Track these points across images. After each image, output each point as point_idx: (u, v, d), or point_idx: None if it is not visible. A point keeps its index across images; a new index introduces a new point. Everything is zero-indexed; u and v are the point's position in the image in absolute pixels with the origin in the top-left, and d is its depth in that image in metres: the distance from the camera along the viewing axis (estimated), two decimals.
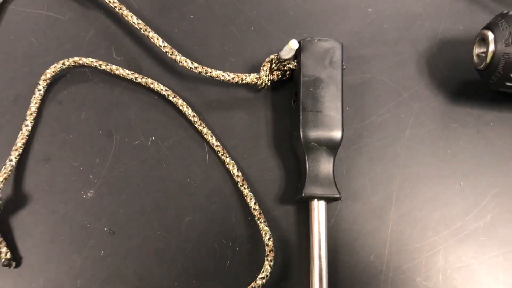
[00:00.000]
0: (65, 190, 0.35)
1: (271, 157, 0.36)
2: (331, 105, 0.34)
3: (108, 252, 0.34)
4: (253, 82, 0.36)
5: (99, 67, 0.36)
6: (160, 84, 0.36)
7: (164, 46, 0.35)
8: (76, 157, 0.36)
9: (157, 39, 0.35)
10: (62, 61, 0.36)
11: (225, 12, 0.39)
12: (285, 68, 0.36)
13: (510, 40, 0.33)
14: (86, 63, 0.36)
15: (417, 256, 0.35)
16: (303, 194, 0.33)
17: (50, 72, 0.36)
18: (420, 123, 0.37)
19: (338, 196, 0.33)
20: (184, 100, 0.37)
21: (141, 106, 0.37)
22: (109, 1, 0.36)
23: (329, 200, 0.34)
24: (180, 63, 0.35)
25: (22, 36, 0.38)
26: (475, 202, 0.36)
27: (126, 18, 0.36)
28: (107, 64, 0.36)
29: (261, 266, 0.33)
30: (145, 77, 0.36)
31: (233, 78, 0.35)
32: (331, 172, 0.34)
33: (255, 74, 0.36)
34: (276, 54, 0.35)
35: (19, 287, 0.34)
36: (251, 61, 0.38)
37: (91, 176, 0.36)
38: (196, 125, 0.36)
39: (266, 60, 0.36)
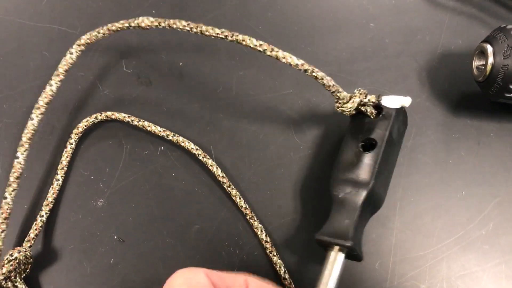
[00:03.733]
0: (75, 199, 0.36)
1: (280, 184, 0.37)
2: (390, 171, 0.34)
3: (118, 260, 0.35)
4: (343, 100, 0.33)
5: (131, 123, 0.37)
6: (191, 142, 0.36)
7: (260, 45, 0.31)
8: (86, 167, 0.37)
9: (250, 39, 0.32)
10: (94, 115, 0.37)
11: (232, 27, 0.40)
12: (361, 108, 0.33)
13: (509, 53, 0.34)
14: (119, 118, 0.37)
15: (421, 264, 0.36)
16: (349, 244, 0.29)
17: (82, 126, 0.37)
18: (422, 134, 0.38)
19: (349, 245, 0.30)
20: (193, 113, 0.37)
21: (150, 119, 0.38)
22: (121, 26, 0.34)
23: (346, 253, 0.31)
24: (284, 59, 0.31)
25: (34, 50, 0.39)
26: (477, 210, 0.37)
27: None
28: (139, 120, 0.37)
29: (267, 273, 0.34)
30: (176, 135, 0.36)
31: (332, 86, 0.32)
32: (363, 231, 0.32)
33: (348, 94, 0.33)
34: (377, 96, 0.33)
35: None
36: (257, 75, 0.39)
37: (101, 185, 0.36)
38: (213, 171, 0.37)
39: (362, 90, 0.33)
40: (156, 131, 0.36)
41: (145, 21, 0.31)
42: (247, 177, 0.37)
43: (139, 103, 0.38)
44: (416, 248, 0.36)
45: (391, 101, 0.32)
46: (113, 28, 0.33)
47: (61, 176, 0.35)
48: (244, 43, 0.31)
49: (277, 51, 0.31)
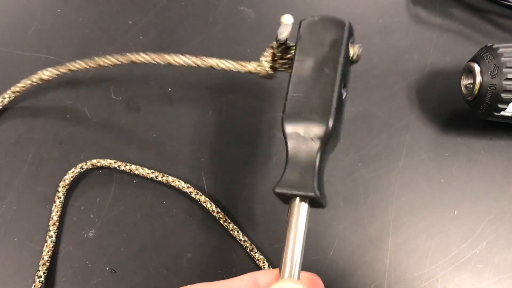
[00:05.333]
0: (66, 230, 0.36)
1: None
2: (323, 89, 0.27)
3: None
4: (255, 71, 0.31)
5: (118, 168, 0.36)
6: (181, 181, 0.36)
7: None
8: (76, 197, 0.36)
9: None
10: (80, 165, 0.36)
11: (221, 51, 0.40)
12: (288, 55, 0.31)
13: (496, 72, 0.34)
14: (105, 165, 0.36)
15: (416, 285, 0.35)
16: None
17: (68, 177, 0.36)
18: (413, 153, 0.38)
19: (312, 195, 0.25)
20: (183, 138, 0.37)
21: (140, 146, 0.38)
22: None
23: (311, 200, 0.26)
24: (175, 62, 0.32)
25: (22, 79, 0.39)
26: (470, 229, 0.37)
27: None
28: (126, 165, 0.36)
29: None
30: (165, 175, 0.36)
31: (234, 65, 0.32)
32: (312, 166, 0.26)
33: (256, 62, 0.32)
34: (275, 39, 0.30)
35: None
36: (247, 98, 0.39)
37: (91, 216, 0.36)
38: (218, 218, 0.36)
39: (267, 47, 0.31)
40: (144, 173, 0.36)
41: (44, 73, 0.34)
42: (239, 202, 0.37)
43: (128, 130, 0.38)
44: (411, 270, 0.36)
45: (282, 31, 0.29)
46: (16, 89, 0.36)
47: (54, 232, 0.35)
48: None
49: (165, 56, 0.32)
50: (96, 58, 0.34)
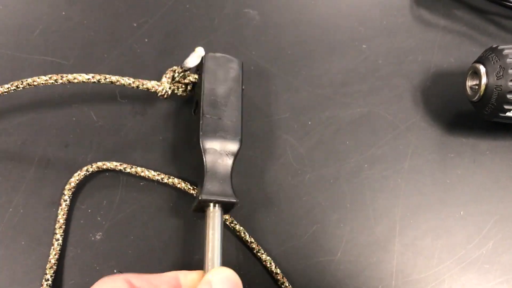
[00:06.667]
0: (73, 233, 0.36)
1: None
2: (231, 113, 0.35)
3: None
4: (153, 89, 0.35)
5: (123, 170, 0.36)
6: (187, 183, 0.36)
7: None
8: (83, 200, 0.36)
9: None
10: (85, 168, 0.36)
11: (225, 53, 0.40)
12: (185, 81, 0.36)
13: (501, 73, 0.34)
14: (110, 167, 0.36)
15: (423, 286, 0.36)
16: (200, 198, 0.32)
17: (74, 180, 0.36)
18: (418, 154, 0.39)
19: (234, 201, 0.32)
20: (189, 140, 0.37)
21: (147, 148, 0.38)
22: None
23: (226, 206, 0.33)
24: (75, 80, 0.34)
25: None
26: (476, 230, 0.37)
27: None
28: (132, 167, 0.36)
29: None
30: (172, 177, 0.36)
31: (133, 82, 0.35)
32: (229, 177, 0.33)
33: (156, 81, 0.35)
34: (180, 65, 0.35)
35: None
36: (252, 100, 0.39)
37: (99, 218, 0.36)
38: None
39: (169, 70, 0.36)
40: (150, 175, 0.36)
41: None
42: (246, 204, 0.37)
43: (134, 132, 0.38)
44: (417, 271, 0.36)
45: (192, 60, 0.35)
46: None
47: (61, 235, 0.35)
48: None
49: (66, 76, 0.34)
50: None
